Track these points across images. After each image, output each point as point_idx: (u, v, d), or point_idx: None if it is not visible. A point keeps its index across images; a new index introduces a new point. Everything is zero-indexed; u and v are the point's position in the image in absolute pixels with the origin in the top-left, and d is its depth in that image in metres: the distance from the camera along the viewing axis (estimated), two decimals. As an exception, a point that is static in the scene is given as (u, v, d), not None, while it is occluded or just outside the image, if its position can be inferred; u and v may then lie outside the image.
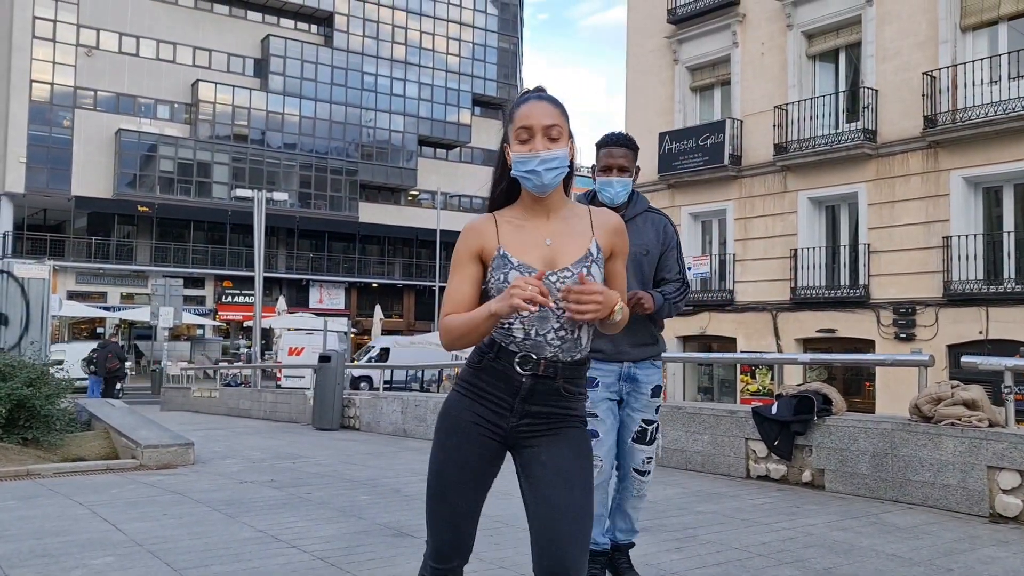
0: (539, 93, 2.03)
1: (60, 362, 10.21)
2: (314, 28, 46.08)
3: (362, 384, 24.31)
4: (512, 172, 1.99)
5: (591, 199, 3.52)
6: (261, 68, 43.61)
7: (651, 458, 3.59)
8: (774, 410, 6.06)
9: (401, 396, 10.39)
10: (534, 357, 1.93)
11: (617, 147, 3.44)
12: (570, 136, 2.01)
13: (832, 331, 16.15)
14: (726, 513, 4.98)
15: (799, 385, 6.33)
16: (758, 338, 17.28)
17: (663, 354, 3.72)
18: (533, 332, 1.92)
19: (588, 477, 1.97)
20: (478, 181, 49.47)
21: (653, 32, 19.90)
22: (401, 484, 6.26)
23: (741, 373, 17.66)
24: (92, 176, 38.58)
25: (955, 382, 5.37)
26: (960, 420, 5.10)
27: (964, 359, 5.62)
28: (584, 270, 1.93)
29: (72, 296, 36.67)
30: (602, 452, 3.35)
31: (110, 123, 39.40)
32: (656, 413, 3.58)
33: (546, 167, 1.93)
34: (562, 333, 1.93)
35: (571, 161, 2.00)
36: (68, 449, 7.61)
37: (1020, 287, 13.52)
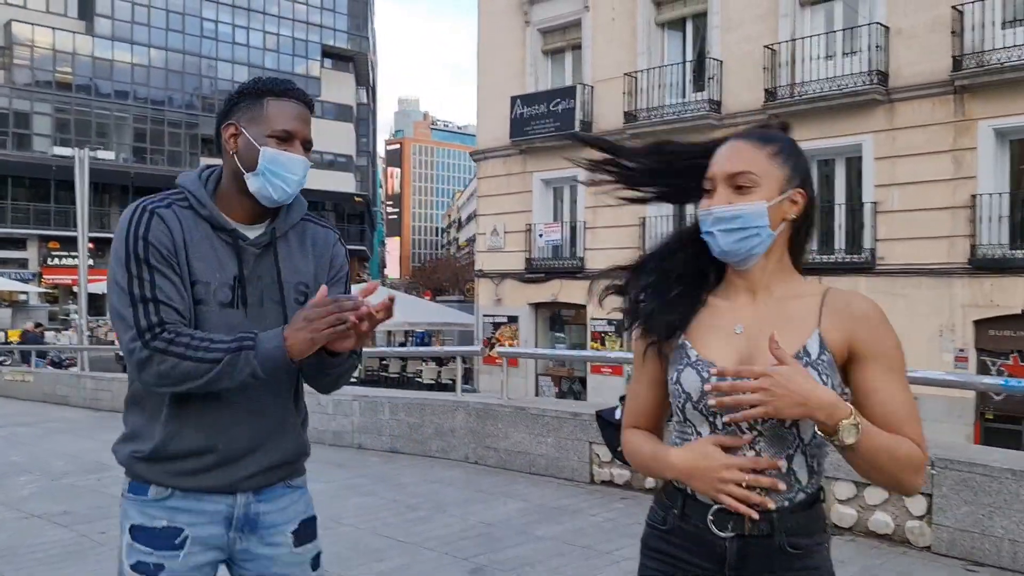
0: (747, 134, 1.53)
1: None
2: (145, -33, 42.63)
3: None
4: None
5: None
6: (86, 9, 39.93)
7: None
8: (617, 414, 5.87)
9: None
10: (726, 511, 1.43)
11: (299, 103, 1.84)
12: (795, 184, 1.49)
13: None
14: (567, 539, 4.75)
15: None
16: (608, 304, 17.39)
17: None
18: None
19: None
20: (329, 137, 47.75)
21: (505, -9, 19.38)
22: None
23: (592, 340, 17.83)
24: None
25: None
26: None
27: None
28: None
29: None
30: None
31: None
32: (316, 571, 1.94)
33: (721, 228, 1.48)
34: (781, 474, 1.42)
35: (798, 219, 1.51)
36: None
37: (849, 258, 14.13)
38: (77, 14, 39.93)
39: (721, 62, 15.76)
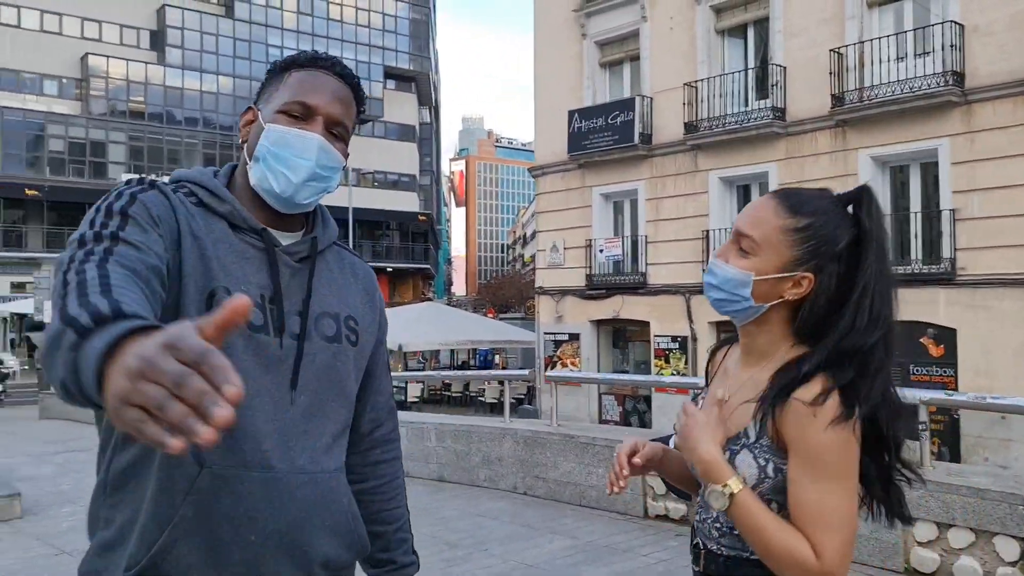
0: (784, 195, 1.44)
1: None
2: (213, -2, 43.85)
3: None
4: None
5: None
6: (157, 40, 41.24)
7: None
8: (672, 444, 5.48)
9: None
10: (701, 548, 1.48)
11: (333, 76, 1.43)
12: (805, 267, 1.38)
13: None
14: (612, 584, 4.38)
15: (698, 412, 5.76)
16: (672, 321, 16.92)
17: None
18: (699, 517, 1.49)
19: None
20: (391, 157, 48.23)
21: (560, 5, 19.16)
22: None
23: (656, 357, 17.32)
24: (-27, 158, 36.00)
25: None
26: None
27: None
28: (728, 454, 1.37)
29: (-46, 287, 34.33)
30: None
31: (-10, 99, 36.75)
32: None
33: (708, 279, 1.47)
34: (718, 524, 1.44)
35: (799, 301, 1.40)
36: None
37: (927, 268, 13.38)
38: (149, 45, 41.24)
39: (785, 68, 15.19)
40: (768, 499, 1.36)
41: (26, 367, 30.96)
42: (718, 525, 1.43)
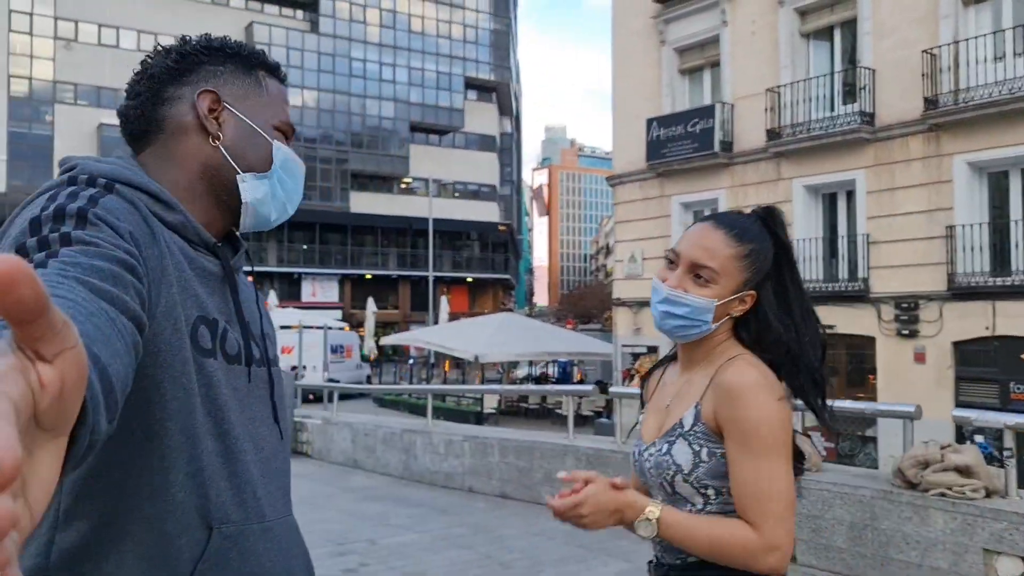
0: (728, 223, 1.59)
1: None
2: (299, 14, 45.03)
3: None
4: None
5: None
6: (247, 56, 42.63)
7: None
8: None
9: (351, 423, 9.56)
10: (652, 560, 1.61)
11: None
12: (750, 287, 1.55)
13: (831, 327, 15.14)
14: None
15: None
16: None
17: None
18: None
19: None
20: (471, 167, 48.53)
21: (638, 12, 18.87)
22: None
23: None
24: (76, 172, 37.78)
25: (947, 443, 4.47)
26: (951, 490, 4.21)
27: (955, 413, 4.72)
28: (665, 446, 1.51)
29: (59, 295, 36.06)
30: None
31: (91, 117, 38.56)
32: None
33: (666, 308, 1.55)
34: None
35: (742, 316, 1.56)
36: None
37: (1030, 281, 12.56)
38: (239, 61, 42.67)
39: (874, 71, 14.54)
40: (704, 484, 1.47)
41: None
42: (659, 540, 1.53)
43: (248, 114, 1.22)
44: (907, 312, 14.01)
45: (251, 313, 1.23)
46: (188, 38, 1.25)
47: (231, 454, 1.09)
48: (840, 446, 14.96)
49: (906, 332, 13.99)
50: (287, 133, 1.27)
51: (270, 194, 1.22)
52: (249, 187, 1.20)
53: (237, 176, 1.20)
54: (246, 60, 1.26)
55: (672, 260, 1.58)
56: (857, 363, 15.55)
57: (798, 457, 4.75)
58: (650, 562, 1.61)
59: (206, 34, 1.28)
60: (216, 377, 1.07)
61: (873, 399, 13.44)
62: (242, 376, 1.15)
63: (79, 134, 38.15)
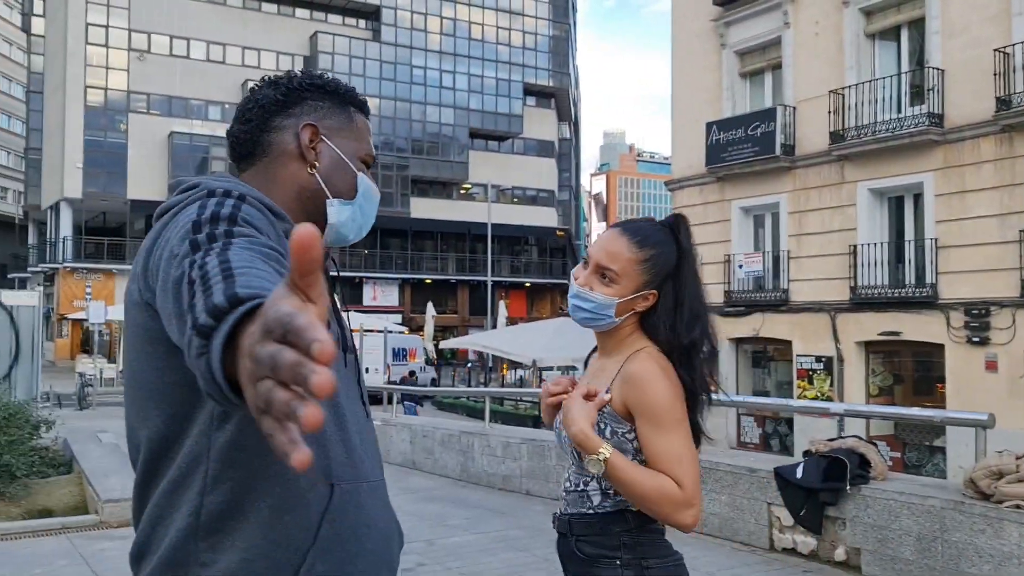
0: (633, 230, 1.80)
1: (48, 396, 9.73)
2: (362, 23, 45.67)
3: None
4: None
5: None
6: (309, 65, 43.38)
7: None
8: (799, 473, 5.09)
9: (410, 425, 9.66)
10: (557, 512, 1.85)
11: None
12: (652, 287, 1.77)
13: (896, 334, 14.83)
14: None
15: (832, 440, 5.33)
16: (815, 340, 16.06)
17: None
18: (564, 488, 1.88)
19: None
20: (531, 173, 48.62)
21: (698, 15, 18.70)
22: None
23: (798, 378, 16.47)
24: (147, 179, 38.92)
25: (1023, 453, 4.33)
26: (1028, 502, 4.08)
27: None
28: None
29: (130, 299, 37.19)
30: None
31: (163, 126, 39.71)
32: None
33: (576, 303, 1.80)
34: (568, 484, 1.83)
35: (646, 311, 1.80)
36: (35, 499, 7.06)
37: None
38: (302, 70, 43.48)
39: (943, 71, 14.16)
40: None
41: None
42: (564, 493, 1.82)
43: (341, 147, 1.41)
44: (978, 319, 13.59)
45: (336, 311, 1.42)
46: (294, 74, 1.45)
47: (341, 422, 1.27)
48: (907, 456, 14.56)
49: (977, 339, 13.56)
50: (369, 163, 1.45)
51: (351, 218, 1.41)
52: (336, 211, 1.39)
53: (327, 200, 1.38)
54: (341, 97, 1.45)
55: (586, 261, 1.80)
56: (924, 371, 15.13)
57: (863, 462, 4.63)
58: (555, 514, 1.83)
59: (310, 71, 1.50)
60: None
61: (941, 408, 13.05)
62: (340, 359, 1.32)
63: (151, 142, 39.33)
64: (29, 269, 45.08)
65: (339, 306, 1.43)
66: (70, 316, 35.37)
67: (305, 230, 0.63)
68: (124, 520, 6.58)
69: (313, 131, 1.39)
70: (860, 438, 5.32)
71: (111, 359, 33.46)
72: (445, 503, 7.29)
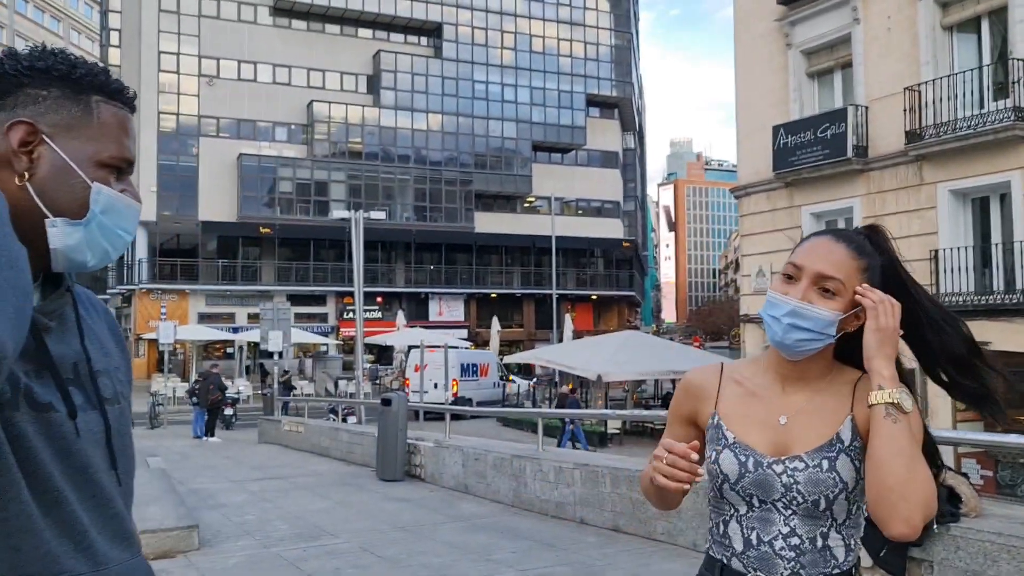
0: (845, 238, 1.58)
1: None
2: (424, 40, 46.03)
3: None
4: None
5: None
6: (373, 84, 43.87)
7: None
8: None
9: (462, 447, 9.29)
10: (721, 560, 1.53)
11: (131, 112, 1.23)
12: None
13: (985, 344, 13.83)
14: None
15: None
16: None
17: None
18: (755, 537, 1.49)
19: None
20: (594, 184, 48.16)
21: (762, 15, 18.02)
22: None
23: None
24: (217, 200, 39.83)
25: None
26: None
27: None
28: (825, 462, 1.47)
29: (203, 318, 38.10)
30: None
31: (232, 148, 40.61)
32: None
33: (791, 321, 1.50)
34: (795, 540, 1.48)
35: (851, 331, 1.54)
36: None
37: None
38: (366, 89, 43.96)
39: (1029, 62, 13.24)
40: (856, 501, 1.49)
41: (258, 391, 33.45)
42: (795, 542, 1.47)
43: (69, 150, 1.08)
44: (1076, 327, 12.58)
45: (89, 351, 1.14)
46: (12, 51, 1.07)
47: (55, 504, 1.03)
48: (999, 475, 13.55)
49: (1075, 349, 12.55)
50: (122, 167, 1.13)
51: (85, 241, 1.09)
52: (60, 233, 1.07)
53: (46, 221, 1.06)
54: (76, 83, 1.10)
55: (792, 275, 1.55)
56: (1017, 384, 14.10)
57: (952, 496, 4.07)
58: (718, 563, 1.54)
59: (37, 46, 1.12)
60: (20, 430, 1.00)
61: (1038, 424, 12.07)
62: (64, 424, 1.05)
63: (221, 164, 40.22)
64: (108, 291, 46.55)
65: (111, 339, 1.18)
66: (145, 336, 36.25)
67: None
68: (162, 551, 6.38)
69: (28, 129, 1.06)
70: (949, 468, 4.72)
71: (184, 378, 34.14)
72: (493, 533, 6.88)
